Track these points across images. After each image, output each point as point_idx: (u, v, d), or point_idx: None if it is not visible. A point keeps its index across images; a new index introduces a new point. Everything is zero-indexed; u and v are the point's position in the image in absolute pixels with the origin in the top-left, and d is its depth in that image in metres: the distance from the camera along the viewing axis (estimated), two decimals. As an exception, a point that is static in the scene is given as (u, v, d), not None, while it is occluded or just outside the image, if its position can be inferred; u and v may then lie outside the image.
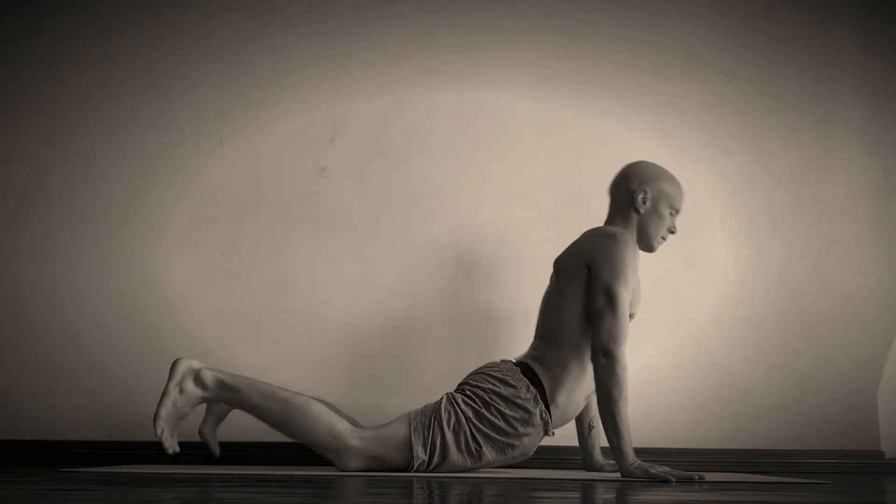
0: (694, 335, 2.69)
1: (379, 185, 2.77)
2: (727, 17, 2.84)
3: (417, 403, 2.63)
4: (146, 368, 2.66)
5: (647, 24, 2.83)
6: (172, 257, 2.73)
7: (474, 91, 2.80)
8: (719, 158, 2.78)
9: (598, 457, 2.32)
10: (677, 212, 2.26)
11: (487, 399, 2.10)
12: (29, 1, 2.88)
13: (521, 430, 2.09)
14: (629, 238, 2.15)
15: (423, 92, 2.81)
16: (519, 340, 2.58)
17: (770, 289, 2.72)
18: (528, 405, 2.09)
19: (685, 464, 2.53)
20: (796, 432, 2.63)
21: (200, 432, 2.29)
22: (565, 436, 2.43)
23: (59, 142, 2.81)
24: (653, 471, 1.94)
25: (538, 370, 2.13)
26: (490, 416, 2.08)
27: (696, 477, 1.94)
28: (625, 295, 2.07)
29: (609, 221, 2.30)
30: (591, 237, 2.20)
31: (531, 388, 2.10)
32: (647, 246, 2.26)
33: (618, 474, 2.10)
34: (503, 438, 2.09)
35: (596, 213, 2.76)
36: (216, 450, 2.31)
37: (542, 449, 2.56)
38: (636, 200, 2.22)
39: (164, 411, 2.13)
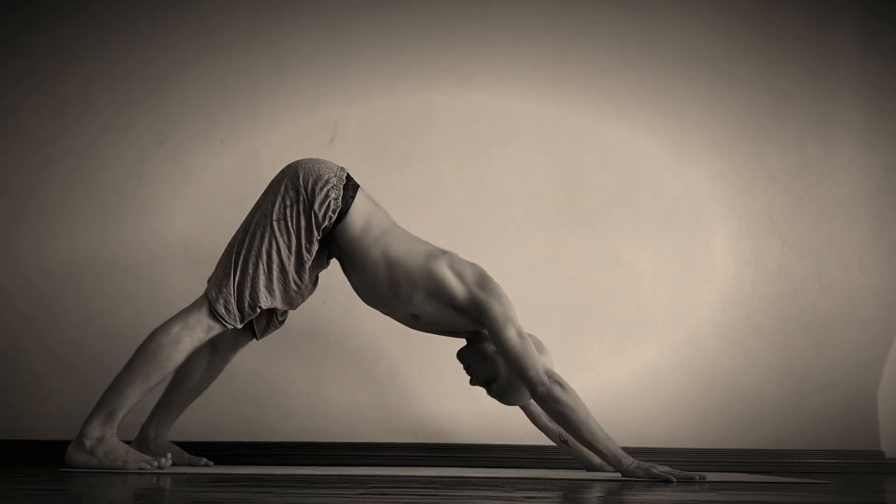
0: (694, 335, 2.69)
1: (379, 185, 2.76)
2: (727, 17, 2.84)
3: (417, 403, 2.64)
4: (146, 368, 2.66)
5: (647, 24, 2.83)
6: (172, 257, 2.73)
7: (474, 91, 2.80)
8: (719, 158, 2.78)
9: (595, 458, 2.32)
10: None
11: None
12: (29, 1, 2.87)
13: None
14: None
15: (423, 92, 2.81)
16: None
17: (770, 289, 2.72)
18: None
19: (685, 464, 2.53)
20: (796, 432, 2.63)
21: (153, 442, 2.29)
22: (565, 436, 2.43)
23: (57, 141, 2.80)
24: (654, 471, 1.94)
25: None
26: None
27: (697, 477, 1.94)
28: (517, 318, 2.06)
29: None
30: None
31: None
32: None
33: (618, 474, 2.09)
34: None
35: (595, 212, 2.77)
36: (207, 462, 2.31)
37: (542, 449, 2.56)
38: None
39: (123, 464, 2.05)
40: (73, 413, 2.64)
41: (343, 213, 2.10)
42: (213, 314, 2.09)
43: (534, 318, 2.64)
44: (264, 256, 2.09)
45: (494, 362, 2.12)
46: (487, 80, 2.81)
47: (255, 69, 2.82)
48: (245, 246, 2.11)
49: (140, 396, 2.11)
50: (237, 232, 2.17)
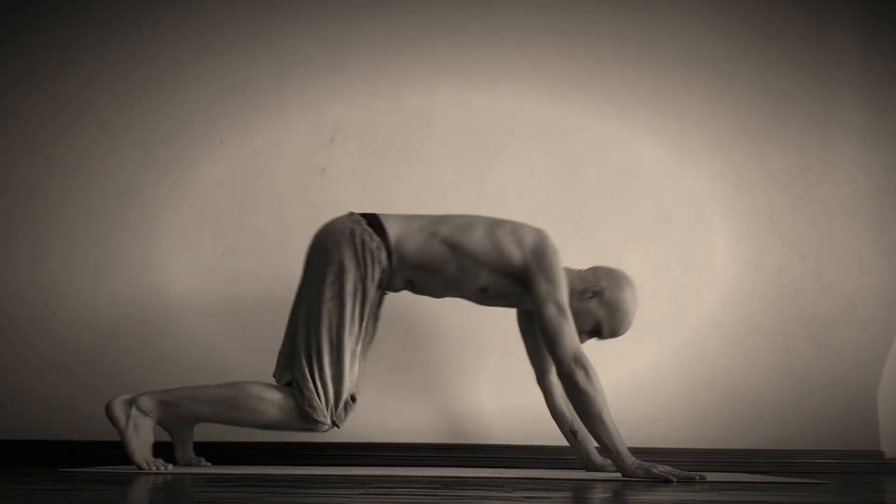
0: (694, 335, 2.69)
1: (379, 185, 2.77)
2: (727, 17, 2.84)
3: (418, 403, 2.64)
4: (146, 368, 2.66)
5: (647, 24, 2.83)
6: (172, 257, 2.73)
7: (474, 91, 2.80)
8: (719, 158, 2.78)
9: (596, 457, 2.32)
10: (599, 337, 2.21)
11: None
12: (29, 1, 2.88)
13: None
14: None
15: (423, 92, 2.81)
16: (521, 337, 2.58)
17: (770, 289, 2.72)
18: None
19: (686, 464, 2.53)
20: (796, 432, 2.63)
21: (179, 462, 2.28)
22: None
23: (57, 141, 2.81)
24: (654, 471, 1.94)
25: None
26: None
27: (698, 477, 1.94)
28: (566, 300, 2.07)
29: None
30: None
31: None
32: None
33: (619, 474, 2.09)
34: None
35: (595, 212, 2.76)
36: (205, 463, 2.32)
37: (542, 449, 2.56)
38: (589, 290, 2.16)
39: (135, 448, 2.09)
40: (74, 413, 2.65)
41: (389, 254, 2.12)
42: (310, 421, 2.10)
43: (534, 318, 2.64)
44: (344, 349, 2.10)
45: (585, 311, 2.15)
46: (487, 80, 2.81)
47: (255, 69, 2.82)
48: (319, 349, 2.10)
49: (203, 418, 2.16)
50: (301, 332, 2.15)
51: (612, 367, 2.66)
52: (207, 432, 2.61)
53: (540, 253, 2.08)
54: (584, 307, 2.15)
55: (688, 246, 2.73)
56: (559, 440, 2.45)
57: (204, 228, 2.75)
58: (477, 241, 2.11)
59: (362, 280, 2.10)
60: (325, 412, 2.07)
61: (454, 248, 2.11)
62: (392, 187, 2.76)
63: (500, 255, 2.09)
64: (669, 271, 2.71)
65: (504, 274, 2.11)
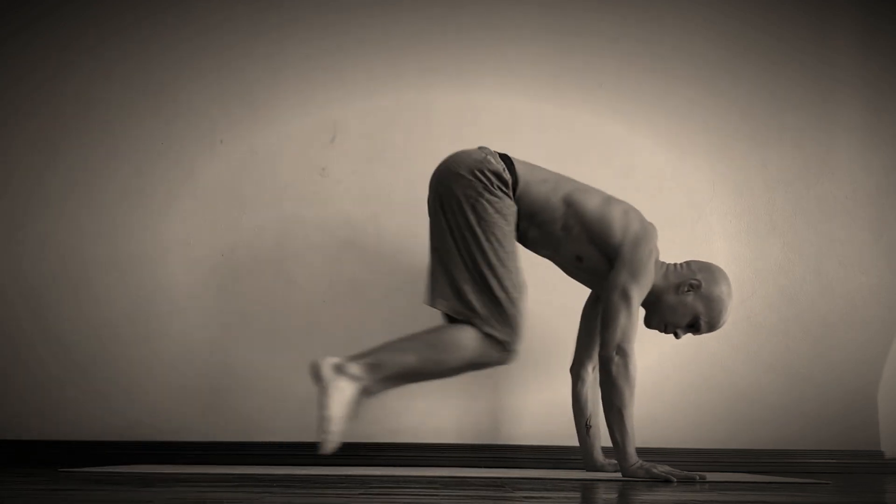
0: (694, 335, 2.68)
1: (379, 185, 2.77)
2: (727, 16, 2.84)
3: (418, 404, 2.64)
4: (146, 368, 2.66)
5: (646, 23, 2.83)
6: (173, 257, 2.73)
7: (474, 91, 2.80)
8: (719, 158, 2.78)
9: (599, 456, 2.32)
10: (697, 331, 2.20)
11: None
12: (29, 1, 2.88)
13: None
14: (652, 238, 2.13)
15: (423, 92, 2.81)
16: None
17: (770, 289, 2.72)
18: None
19: (685, 464, 2.53)
20: (796, 432, 2.63)
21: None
22: (564, 435, 2.43)
23: (58, 142, 2.81)
24: (654, 470, 1.94)
25: None
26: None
27: (698, 477, 1.94)
28: (638, 296, 2.07)
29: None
30: (627, 219, 2.15)
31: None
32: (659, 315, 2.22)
33: (619, 474, 2.09)
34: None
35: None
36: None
37: (542, 449, 2.56)
38: (686, 284, 2.16)
39: (336, 411, 1.92)
40: (74, 413, 2.65)
41: (515, 181, 2.11)
42: (507, 350, 2.03)
43: (534, 318, 2.64)
44: (500, 268, 2.04)
45: (682, 305, 2.15)
46: (487, 80, 2.81)
47: (255, 69, 2.82)
48: (481, 270, 2.04)
49: (410, 370, 2.03)
50: (460, 262, 2.07)
51: (612, 367, 2.66)
52: (206, 432, 2.61)
53: (636, 244, 2.09)
54: (681, 300, 2.16)
55: (688, 246, 2.73)
56: (560, 440, 2.45)
57: (204, 228, 2.75)
58: (591, 206, 2.12)
59: (502, 203, 2.08)
60: (517, 337, 2.02)
61: (569, 206, 2.12)
62: (392, 187, 2.76)
63: (603, 228, 2.10)
64: (669, 271, 2.71)
65: (600, 248, 2.11)
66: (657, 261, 2.15)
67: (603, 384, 2.04)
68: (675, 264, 2.22)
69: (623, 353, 2.02)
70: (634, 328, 2.06)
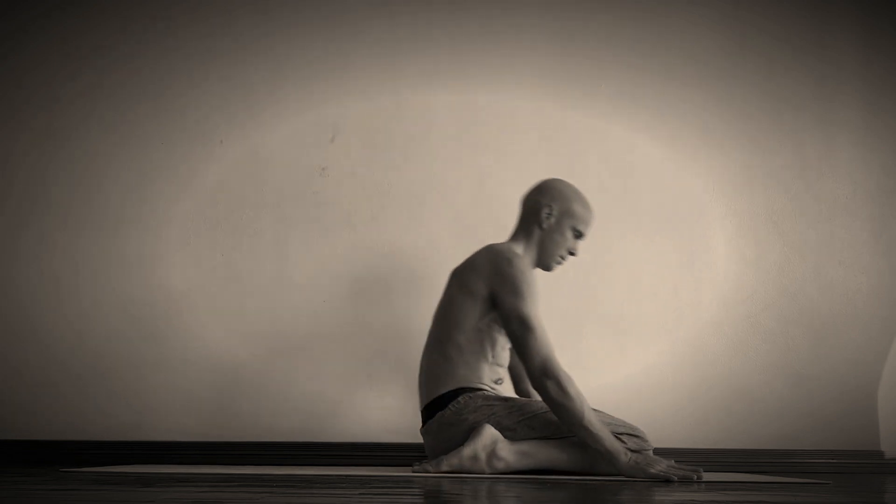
0: (694, 335, 2.69)
1: (379, 185, 2.77)
2: (727, 17, 2.84)
3: (418, 404, 2.63)
4: (146, 368, 2.66)
5: (647, 24, 2.83)
6: (172, 257, 2.73)
7: (474, 91, 2.80)
8: (719, 158, 2.78)
9: None
10: (581, 235, 2.27)
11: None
12: (29, 1, 2.88)
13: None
14: (522, 259, 2.16)
15: (423, 92, 2.81)
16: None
17: (770, 289, 2.72)
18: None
19: (686, 464, 2.53)
20: (796, 432, 2.63)
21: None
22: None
23: (59, 142, 2.81)
24: (652, 470, 1.94)
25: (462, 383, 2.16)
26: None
27: (696, 476, 1.94)
28: (535, 313, 2.08)
29: (514, 233, 2.32)
30: (488, 255, 2.20)
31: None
32: (544, 264, 2.28)
33: (617, 477, 2.09)
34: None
35: (595, 212, 2.76)
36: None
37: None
38: (540, 215, 2.24)
39: (455, 465, 2.05)
40: (74, 413, 2.65)
41: None
42: None
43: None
44: None
45: (556, 230, 2.26)
46: (487, 80, 2.81)
47: (255, 70, 2.82)
48: None
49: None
50: None
51: (613, 367, 2.66)
52: (205, 432, 2.61)
53: (500, 268, 2.14)
54: (551, 229, 2.23)
55: (688, 246, 2.73)
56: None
57: (204, 228, 2.75)
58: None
59: None
60: None
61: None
62: (392, 187, 2.76)
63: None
64: (669, 271, 2.71)
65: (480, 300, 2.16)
66: (515, 256, 2.16)
67: (552, 411, 2.04)
68: (518, 232, 2.29)
69: (548, 371, 2.02)
70: (547, 347, 2.05)
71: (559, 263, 2.29)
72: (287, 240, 2.73)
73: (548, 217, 2.23)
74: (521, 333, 2.06)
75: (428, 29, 2.84)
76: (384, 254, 2.72)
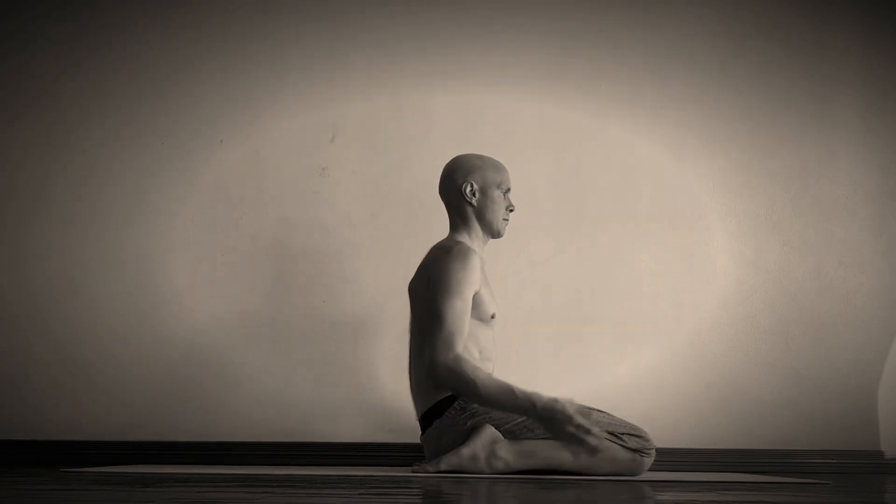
0: (694, 335, 2.69)
1: (379, 185, 2.77)
2: (727, 17, 2.84)
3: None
4: (147, 369, 2.66)
5: (646, 24, 2.83)
6: (173, 257, 2.73)
7: (474, 91, 2.80)
8: (719, 159, 2.78)
9: None
10: (508, 190, 2.30)
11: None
12: (29, 1, 2.88)
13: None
14: (462, 248, 2.17)
15: (423, 92, 2.81)
16: (522, 338, 2.58)
17: (770, 289, 2.72)
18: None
19: (685, 464, 2.54)
20: (796, 432, 2.63)
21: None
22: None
23: (60, 143, 2.81)
24: (566, 430, 1.97)
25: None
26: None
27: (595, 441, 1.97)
28: (449, 308, 2.08)
29: (451, 226, 2.32)
30: (430, 255, 2.23)
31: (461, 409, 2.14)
32: (493, 231, 2.30)
33: (618, 476, 2.09)
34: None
35: (595, 212, 2.76)
36: None
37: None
38: (465, 194, 2.26)
39: (455, 465, 2.05)
40: (74, 413, 2.65)
41: None
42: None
43: (534, 318, 2.64)
44: None
45: (489, 204, 2.28)
46: (487, 81, 2.81)
47: (255, 70, 2.82)
48: None
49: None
50: None
51: (612, 366, 2.66)
52: (205, 432, 2.61)
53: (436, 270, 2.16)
54: (482, 201, 2.25)
55: (688, 246, 2.73)
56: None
57: (204, 228, 2.75)
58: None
59: None
60: None
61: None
62: (392, 187, 2.76)
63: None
64: (669, 271, 2.71)
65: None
66: (456, 244, 2.19)
67: (461, 395, 2.07)
68: (454, 221, 2.30)
69: (443, 366, 2.03)
70: (447, 347, 2.05)
71: (506, 222, 2.31)
72: (287, 240, 2.73)
73: (472, 193, 2.25)
74: (430, 327, 2.09)
75: (428, 29, 2.84)
76: (384, 254, 2.72)
